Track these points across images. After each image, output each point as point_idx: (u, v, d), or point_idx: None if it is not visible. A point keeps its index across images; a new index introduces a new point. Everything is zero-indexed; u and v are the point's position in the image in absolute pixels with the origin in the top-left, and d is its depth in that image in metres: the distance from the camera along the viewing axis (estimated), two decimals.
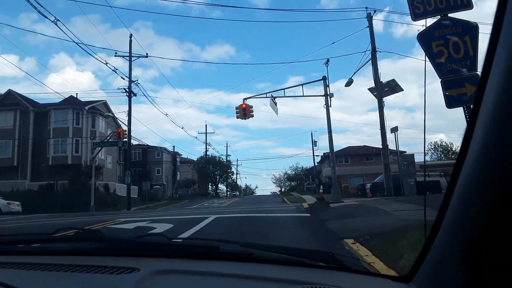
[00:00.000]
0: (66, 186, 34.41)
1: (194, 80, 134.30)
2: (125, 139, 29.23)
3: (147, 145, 63.62)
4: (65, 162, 36.38)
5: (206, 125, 65.12)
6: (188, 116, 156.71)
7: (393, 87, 20.02)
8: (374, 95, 20.02)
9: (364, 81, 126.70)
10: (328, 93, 17.48)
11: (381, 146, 20.47)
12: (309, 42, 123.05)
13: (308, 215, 12.81)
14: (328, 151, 64.96)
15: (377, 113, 19.27)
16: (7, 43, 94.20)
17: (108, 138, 29.77)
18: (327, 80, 17.49)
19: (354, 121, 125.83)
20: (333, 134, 16.60)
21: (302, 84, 18.11)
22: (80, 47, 43.48)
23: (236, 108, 20.48)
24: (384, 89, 20.05)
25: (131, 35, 31.82)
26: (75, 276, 1.15)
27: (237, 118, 20.46)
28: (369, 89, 20.88)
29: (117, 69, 31.09)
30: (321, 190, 19.50)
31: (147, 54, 31.94)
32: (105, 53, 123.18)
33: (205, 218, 12.69)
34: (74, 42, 28.37)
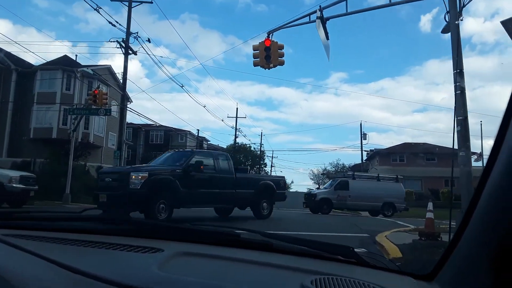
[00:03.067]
0: (46, 165, 26.97)
1: (235, 73, 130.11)
2: (109, 107, 21.10)
3: (173, 128, 56.70)
4: (49, 136, 29.03)
5: (237, 108, 56.54)
6: (229, 108, 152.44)
7: None
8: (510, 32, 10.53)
9: (410, 81, 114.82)
10: None
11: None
12: (352, 37, 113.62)
13: None
14: (378, 148, 53.85)
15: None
16: (63, 28, 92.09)
17: (88, 104, 21.85)
18: None
19: (398, 122, 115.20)
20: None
21: None
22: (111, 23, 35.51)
23: (254, 48, 11.64)
24: None
25: None
26: (103, 252, 1.20)
27: (254, 65, 11.63)
28: (503, 22, 11.31)
29: (100, 11, 22.95)
30: (429, 213, 8.64)
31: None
32: (152, 43, 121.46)
33: None
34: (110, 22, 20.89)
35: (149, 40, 25.17)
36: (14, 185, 14.37)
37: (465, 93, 7.44)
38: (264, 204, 13.40)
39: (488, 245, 0.80)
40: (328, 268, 1.18)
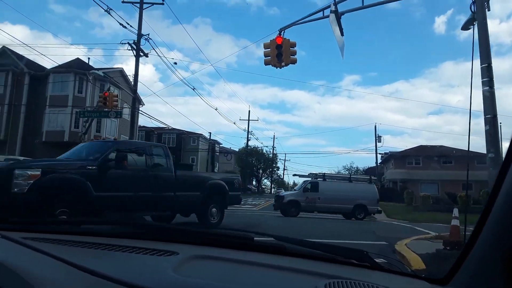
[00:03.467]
0: None
1: (248, 76, 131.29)
2: (119, 110, 20.89)
3: (186, 131, 56.55)
4: (61, 139, 29.01)
5: (249, 111, 56.14)
6: (242, 111, 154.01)
7: None
8: None
9: (425, 83, 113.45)
10: None
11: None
12: (366, 40, 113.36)
13: None
14: (392, 151, 52.73)
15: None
16: (78, 34, 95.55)
17: (96, 106, 21.67)
18: None
19: (412, 125, 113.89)
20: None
21: None
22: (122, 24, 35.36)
23: (265, 46, 11.21)
24: None
25: None
26: (119, 255, 1.22)
27: (266, 64, 11.21)
28: None
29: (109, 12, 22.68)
30: (455, 220, 7.75)
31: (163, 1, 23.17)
32: (166, 48, 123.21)
33: None
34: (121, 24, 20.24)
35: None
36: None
37: (493, 88, 6.83)
38: (213, 209, 10.55)
39: (502, 247, 0.79)
40: (342, 272, 1.18)
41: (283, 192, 23.08)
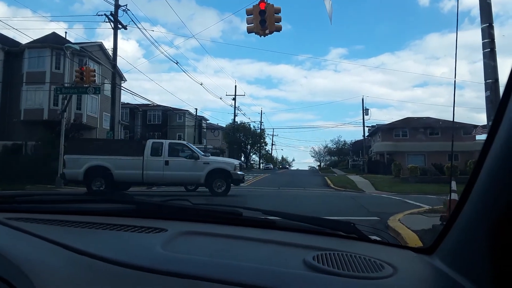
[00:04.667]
0: (38, 148, 26.02)
1: (234, 51, 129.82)
2: (96, 85, 19.96)
3: (171, 108, 55.47)
4: (40, 117, 27.95)
5: (235, 86, 55.09)
6: (228, 87, 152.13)
7: None
8: None
9: (410, 55, 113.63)
10: None
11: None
12: (352, 12, 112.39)
13: None
14: (379, 123, 52.82)
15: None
16: (58, 10, 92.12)
17: (74, 83, 20.65)
18: None
19: (398, 97, 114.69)
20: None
21: None
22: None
23: (248, 13, 10.47)
24: None
25: None
26: (107, 233, 1.21)
27: (249, 32, 10.50)
28: None
29: None
30: (453, 194, 6.01)
31: None
32: (148, 23, 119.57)
33: None
34: None
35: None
36: (238, 172, 15.49)
37: (495, 51, 6.30)
38: None
39: (491, 216, 0.78)
40: (330, 244, 1.19)
41: None
